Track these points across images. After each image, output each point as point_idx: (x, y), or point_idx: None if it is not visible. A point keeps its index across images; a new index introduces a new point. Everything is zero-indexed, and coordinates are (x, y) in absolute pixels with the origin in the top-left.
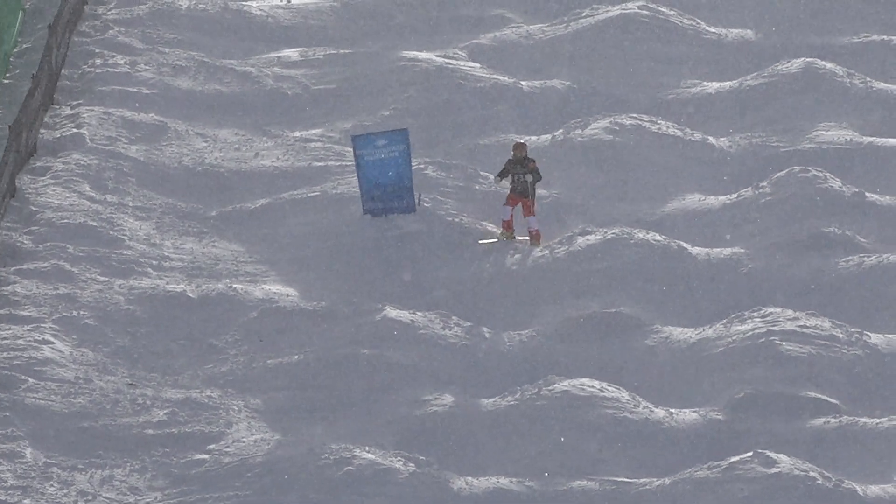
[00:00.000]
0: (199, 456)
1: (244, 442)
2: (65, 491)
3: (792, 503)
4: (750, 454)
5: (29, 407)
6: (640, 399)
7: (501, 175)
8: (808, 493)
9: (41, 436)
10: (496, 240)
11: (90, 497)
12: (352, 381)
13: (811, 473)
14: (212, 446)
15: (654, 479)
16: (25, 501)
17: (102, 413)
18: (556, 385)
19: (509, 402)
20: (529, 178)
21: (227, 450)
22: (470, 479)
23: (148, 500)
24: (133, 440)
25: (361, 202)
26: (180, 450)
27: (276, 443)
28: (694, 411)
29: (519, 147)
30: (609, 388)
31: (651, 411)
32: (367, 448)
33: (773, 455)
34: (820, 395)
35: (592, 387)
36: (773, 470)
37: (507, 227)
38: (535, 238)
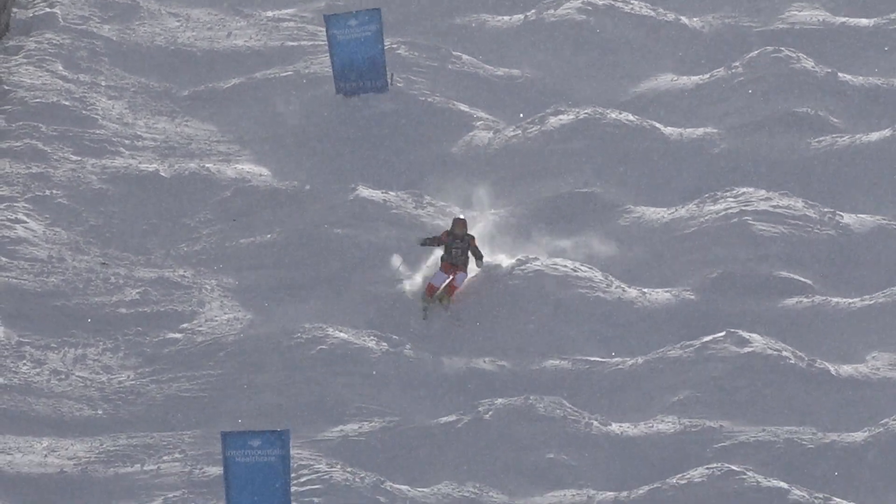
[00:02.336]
0: (171, 335)
1: (217, 321)
2: (38, 370)
3: (764, 382)
4: (723, 334)
5: (1, 286)
6: (613, 279)
7: (429, 243)
8: (780, 373)
9: (14, 315)
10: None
11: (63, 376)
12: (324, 260)
13: (784, 353)
14: (184, 325)
15: (627, 359)
16: None
17: (75, 292)
18: (528, 265)
19: (482, 280)
20: (469, 254)
21: (200, 329)
22: (442, 357)
23: (120, 378)
24: (106, 319)
25: (334, 82)
26: (153, 329)
27: (249, 322)
28: (667, 291)
29: (459, 224)
30: (582, 267)
31: (624, 291)
32: (339, 327)
33: (745, 334)
34: (792, 275)
35: (565, 266)
36: (746, 349)
37: (431, 291)
38: (450, 292)
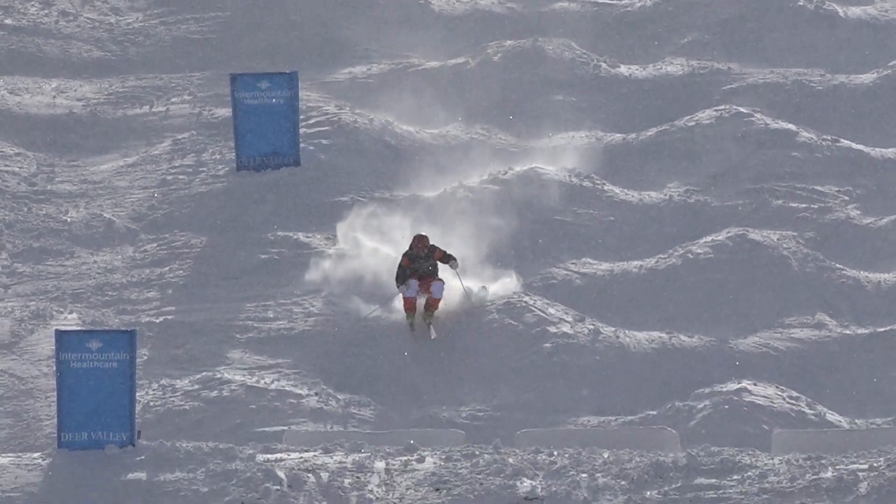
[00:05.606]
0: None
1: None
2: (46, 11)
3: (773, 24)
4: None
5: None
6: None
7: (401, 279)
8: (789, 14)
9: None
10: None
11: (71, 17)
12: None
13: None
14: None
15: (636, 1)
16: (6, 20)
17: None
18: None
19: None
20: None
21: None
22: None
23: (129, 20)
24: None
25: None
26: None
27: None
28: None
29: (420, 240)
30: None
31: None
32: None
33: None
34: None
35: None
36: None
37: (409, 305)
38: (432, 306)
